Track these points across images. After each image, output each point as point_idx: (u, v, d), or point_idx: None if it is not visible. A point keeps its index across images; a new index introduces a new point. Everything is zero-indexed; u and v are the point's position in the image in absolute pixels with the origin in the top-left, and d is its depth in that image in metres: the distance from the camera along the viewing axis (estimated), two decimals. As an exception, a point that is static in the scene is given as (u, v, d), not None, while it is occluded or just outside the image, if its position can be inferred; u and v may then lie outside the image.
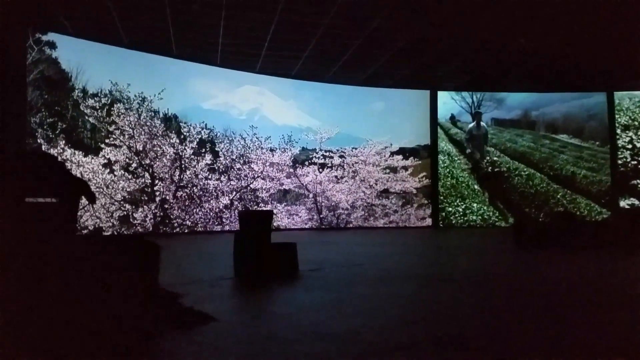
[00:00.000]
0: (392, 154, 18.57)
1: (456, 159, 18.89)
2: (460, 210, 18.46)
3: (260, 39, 13.53)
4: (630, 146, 18.41)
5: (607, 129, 18.58)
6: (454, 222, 18.39)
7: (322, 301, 4.13)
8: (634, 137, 18.41)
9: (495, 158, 18.85)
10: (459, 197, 18.57)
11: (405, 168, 18.62)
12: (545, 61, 15.53)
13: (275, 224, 16.55)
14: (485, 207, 18.47)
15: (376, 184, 18.43)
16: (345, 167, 18.07)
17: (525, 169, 18.74)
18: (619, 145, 18.41)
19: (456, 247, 10.56)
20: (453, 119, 19.07)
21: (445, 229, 17.88)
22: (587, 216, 17.78)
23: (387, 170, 18.54)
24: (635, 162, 18.23)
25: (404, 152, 18.65)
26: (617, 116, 18.57)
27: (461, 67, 16.31)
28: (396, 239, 12.91)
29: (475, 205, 18.46)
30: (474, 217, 18.34)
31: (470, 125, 19.06)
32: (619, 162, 18.31)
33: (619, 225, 9.85)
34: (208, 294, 4.44)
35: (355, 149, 18.23)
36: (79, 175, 12.93)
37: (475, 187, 18.62)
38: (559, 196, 18.40)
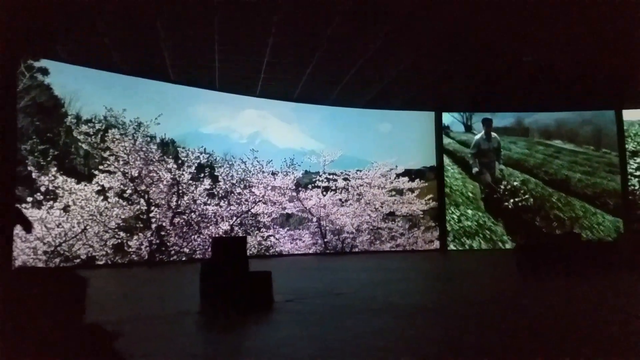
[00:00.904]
0: (398, 175, 18.05)
1: (455, 182, 18.23)
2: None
3: (257, 62, 13.25)
4: (639, 173, 17.70)
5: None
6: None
7: (282, 340, 3.63)
8: None
9: (515, 181, 18.07)
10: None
11: (411, 190, 18.06)
12: (553, 79, 15.02)
13: (277, 249, 16.08)
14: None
15: (382, 207, 17.88)
16: (349, 190, 17.58)
17: (539, 186, 18.06)
18: (628, 171, 17.70)
19: (454, 273, 9.95)
20: (445, 129, 18.46)
21: (453, 253, 17.17)
22: (595, 235, 16.97)
23: (393, 193, 18.00)
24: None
25: (410, 174, 18.12)
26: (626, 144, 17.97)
27: (467, 87, 15.87)
28: (396, 264, 12.31)
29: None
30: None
31: (478, 136, 18.37)
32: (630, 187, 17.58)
33: (627, 247, 9.16)
34: (154, 333, 3.95)
35: (360, 171, 17.76)
36: (70, 203, 12.68)
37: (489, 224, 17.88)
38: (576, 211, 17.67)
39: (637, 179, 17.67)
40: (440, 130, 18.25)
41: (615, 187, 17.64)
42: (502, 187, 17.93)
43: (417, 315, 4.49)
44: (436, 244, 17.98)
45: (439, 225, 17.97)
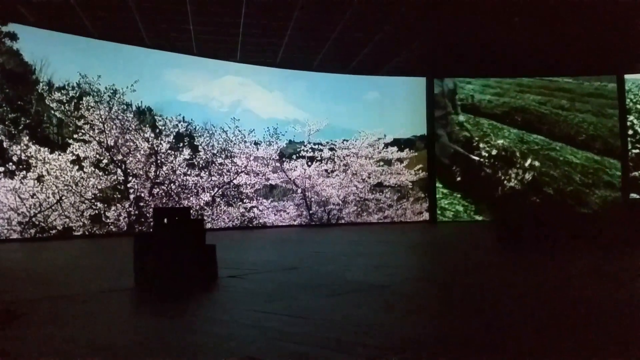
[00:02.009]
0: (386, 145, 17.63)
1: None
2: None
3: (232, 25, 12.70)
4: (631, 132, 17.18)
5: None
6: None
7: (194, 326, 3.32)
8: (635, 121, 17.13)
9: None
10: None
11: (400, 160, 17.67)
12: (551, 43, 14.45)
13: (261, 220, 15.80)
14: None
15: (369, 178, 17.52)
16: (335, 160, 17.18)
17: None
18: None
19: (432, 245, 9.65)
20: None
21: (442, 224, 16.89)
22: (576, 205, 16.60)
23: (381, 163, 17.61)
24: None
25: (399, 144, 17.69)
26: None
27: (460, 51, 15.26)
28: (377, 236, 12.02)
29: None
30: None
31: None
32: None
33: (611, 216, 8.82)
34: (64, 313, 3.64)
35: (347, 141, 17.33)
36: (44, 172, 12.33)
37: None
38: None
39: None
40: (432, 97, 17.72)
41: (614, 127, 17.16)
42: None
43: (363, 295, 4.16)
44: (425, 216, 17.68)
45: (428, 196, 17.63)
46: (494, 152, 17.38)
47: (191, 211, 14.38)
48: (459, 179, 17.54)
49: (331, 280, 4.89)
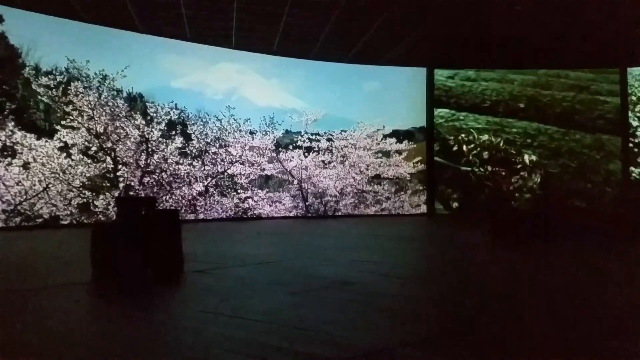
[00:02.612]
0: (385, 136, 17.21)
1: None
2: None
3: (226, 10, 12.30)
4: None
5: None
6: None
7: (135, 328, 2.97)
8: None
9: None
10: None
11: (398, 152, 17.25)
12: (551, 35, 13.96)
13: (256, 212, 15.46)
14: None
15: (367, 169, 17.12)
16: (333, 151, 16.78)
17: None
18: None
19: (422, 238, 9.28)
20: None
21: (441, 217, 16.48)
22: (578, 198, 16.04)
23: (379, 155, 17.20)
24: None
25: (398, 135, 17.26)
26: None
27: (461, 41, 14.78)
28: (371, 229, 11.64)
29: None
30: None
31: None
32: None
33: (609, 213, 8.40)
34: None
35: (345, 131, 16.91)
36: (30, 159, 12.03)
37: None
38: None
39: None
40: (432, 88, 17.25)
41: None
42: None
43: (328, 292, 3.80)
44: (423, 208, 17.28)
45: (427, 188, 17.22)
46: (484, 154, 16.76)
47: (183, 201, 14.19)
48: (455, 204, 16.93)
49: (302, 276, 4.54)
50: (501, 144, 16.74)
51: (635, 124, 16.44)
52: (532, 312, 3.23)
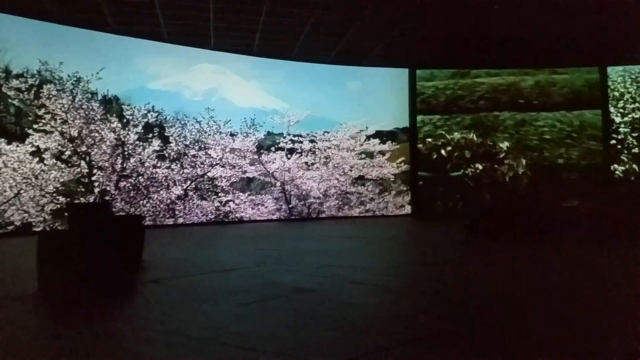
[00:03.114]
0: (368, 137, 17.02)
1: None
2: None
3: (203, 9, 12.03)
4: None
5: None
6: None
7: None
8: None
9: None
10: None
11: (382, 153, 17.06)
12: (534, 35, 13.84)
13: (237, 215, 15.16)
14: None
15: (351, 171, 16.91)
16: (316, 152, 16.55)
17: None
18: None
19: (399, 240, 9.06)
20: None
21: (425, 218, 16.28)
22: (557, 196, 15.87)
23: (363, 156, 17.00)
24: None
25: (381, 136, 17.08)
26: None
27: (443, 41, 14.62)
28: (352, 230, 11.41)
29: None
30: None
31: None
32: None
33: (591, 211, 8.24)
34: None
35: (328, 132, 16.69)
36: (1, 165, 11.66)
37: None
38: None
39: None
40: (414, 88, 17.08)
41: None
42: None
43: (282, 302, 3.56)
44: (408, 209, 17.10)
45: (410, 189, 17.03)
46: (466, 153, 16.62)
47: (162, 205, 13.87)
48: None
49: (261, 284, 4.29)
50: (475, 138, 16.67)
51: (618, 120, 16.37)
52: (507, 328, 3.01)
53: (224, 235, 10.86)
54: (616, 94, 16.42)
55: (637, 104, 16.29)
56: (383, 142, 17.04)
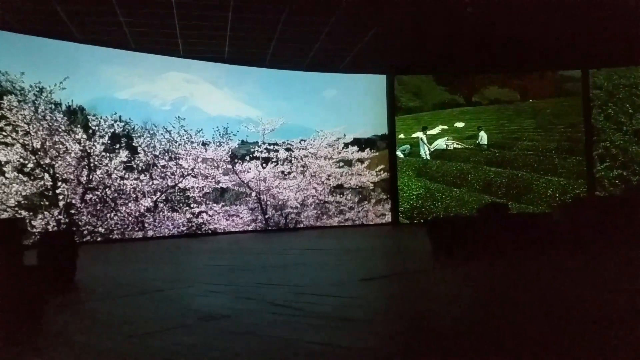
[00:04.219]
0: (346, 145, 16.68)
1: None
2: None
3: (167, 16, 11.70)
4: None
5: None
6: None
7: None
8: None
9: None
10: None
11: (361, 161, 16.73)
12: (514, 38, 13.59)
13: (211, 227, 14.77)
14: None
15: (329, 179, 16.56)
16: (293, 161, 16.19)
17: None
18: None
19: (361, 252, 8.69)
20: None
21: (405, 226, 15.92)
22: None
23: (341, 164, 16.66)
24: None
25: (360, 143, 16.75)
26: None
27: (420, 46, 14.35)
28: (320, 241, 11.05)
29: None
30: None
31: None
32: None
33: (566, 220, 7.90)
34: None
35: (304, 141, 16.34)
36: (-43, 178, 11.26)
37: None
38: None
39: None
40: (392, 95, 16.80)
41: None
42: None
43: (178, 334, 3.18)
44: (388, 217, 16.74)
45: (390, 197, 16.69)
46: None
47: (130, 218, 13.44)
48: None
49: (171, 310, 3.91)
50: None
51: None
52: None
53: (185, 250, 10.46)
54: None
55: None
56: (361, 149, 16.72)
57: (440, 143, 17.00)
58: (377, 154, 16.73)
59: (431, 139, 16.96)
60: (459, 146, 16.92)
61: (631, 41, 13.81)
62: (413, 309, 3.79)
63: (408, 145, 16.82)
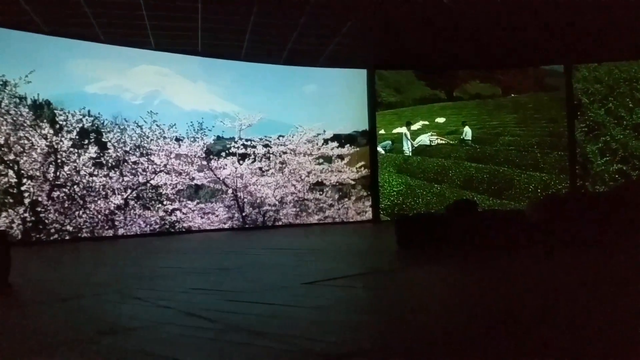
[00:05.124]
0: (326, 141, 16.34)
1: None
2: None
3: (135, 7, 11.31)
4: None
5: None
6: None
7: None
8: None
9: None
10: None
11: (341, 157, 16.40)
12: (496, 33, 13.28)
13: (185, 225, 14.41)
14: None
15: (308, 176, 16.22)
16: (271, 157, 15.83)
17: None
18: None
19: (329, 250, 8.37)
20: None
21: (387, 223, 15.60)
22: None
23: (321, 160, 16.32)
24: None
25: (340, 139, 16.41)
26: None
27: (402, 40, 14.00)
28: (294, 239, 10.72)
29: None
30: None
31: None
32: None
33: (537, 216, 7.58)
34: None
35: (283, 137, 15.99)
36: None
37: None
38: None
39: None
40: (373, 90, 16.47)
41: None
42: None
43: (76, 349, 2.84)
44: (369, 215, 16.43)
45: (371, 194, 16.37)
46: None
47: (99, 216, 13.06)
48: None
49: (78, 320, 3.56)
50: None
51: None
52: None
53: (145, 249, 10.06)
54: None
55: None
56: (342, 145, 16.38)
57: (424, 138, 16.72)
58: (358, 150, 16.41)
59: (414, 134, 16.68)
60: (443, 142, 16.65)
61: (626, 36, 13.55)
62: (340, 320, 3.45)
63: (389, 142, 16.52)
